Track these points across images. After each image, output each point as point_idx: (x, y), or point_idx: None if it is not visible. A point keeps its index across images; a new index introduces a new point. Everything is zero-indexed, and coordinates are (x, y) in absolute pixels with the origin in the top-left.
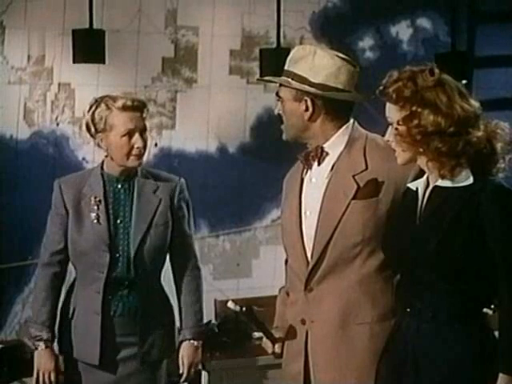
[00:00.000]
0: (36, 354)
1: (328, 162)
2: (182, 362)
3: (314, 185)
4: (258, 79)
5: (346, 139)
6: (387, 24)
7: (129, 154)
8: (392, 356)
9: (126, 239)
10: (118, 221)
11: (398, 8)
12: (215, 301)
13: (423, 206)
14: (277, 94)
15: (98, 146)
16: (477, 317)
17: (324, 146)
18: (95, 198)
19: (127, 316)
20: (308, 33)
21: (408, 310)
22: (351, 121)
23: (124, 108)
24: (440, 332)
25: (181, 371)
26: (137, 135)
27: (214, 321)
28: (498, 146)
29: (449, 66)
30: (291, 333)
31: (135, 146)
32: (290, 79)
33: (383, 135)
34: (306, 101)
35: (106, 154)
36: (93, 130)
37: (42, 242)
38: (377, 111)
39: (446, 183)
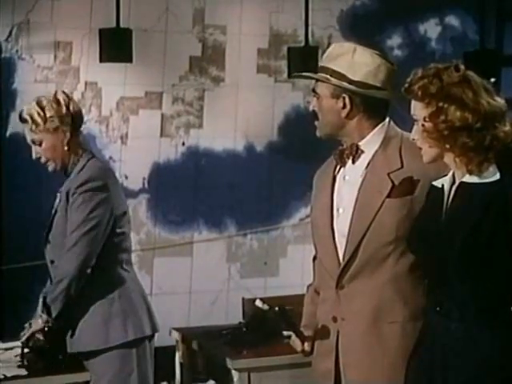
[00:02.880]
0: None
1: (363, 160)
2: None
3: (348, 182)
4: (294, 75)
5: (381, 138)
6: (415, 22)
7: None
8: (421, 356)
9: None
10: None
11: (426, 6)
12: (243, 299)
13: (449, 202)
14: (313, 90)
15: None
16: (503, 315)
17: (359, 143)
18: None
19: None
20: (336, 31)
21: (438, 309)
22: (387, 119)
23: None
24: (468, 331)
25: None
26: (32, 147)
27: (241, 319)
28: None
29: (477, 63)
30: (322, 331)
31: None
32: (328, 75)
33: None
34: (343, 98)
35: None
36: None
37: None
38: (405, 110)
39: (473, 179)
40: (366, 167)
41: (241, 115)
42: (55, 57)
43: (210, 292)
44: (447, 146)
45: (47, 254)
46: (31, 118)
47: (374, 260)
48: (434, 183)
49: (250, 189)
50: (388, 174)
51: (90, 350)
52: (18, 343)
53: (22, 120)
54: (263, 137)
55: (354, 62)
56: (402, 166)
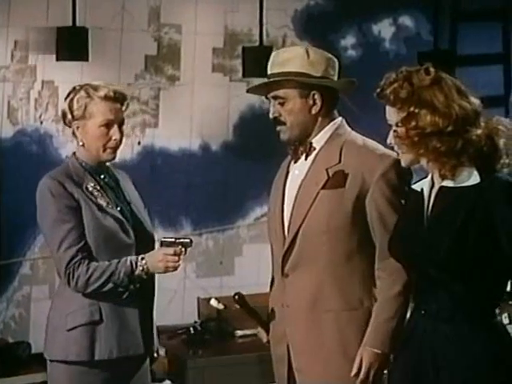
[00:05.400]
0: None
1: (313, 156)
2: None
3: (296, 177)
4: (249, 90)
5: (328, 135)
6: (369, 22)
7: (105, 146)
8: (407, 357)
9: (137, 222)
10: (119, 208)
11: (380, 6)
12: (198, 299)
13: (430, 207)
14: (274, 97)
15: (73, 134)
16: (492, 315)
17: (312, 141)
18: (93, 186)
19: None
20: (291, 31)
21: (423, 312)
22: (340, 118)
23: (106, 98)
24: (458, 333)
25: None
26: (115, 127)
27: (196, 319)
28: (501, 142)
29: (431, 64)
30: (273, 317)
31: (112, 137)
32: (291, 77)
33: (379, 133)
34: (313, 95)
35: (81, 143)
36: (69, 116)
37: (55, 245)
38: (358, 109)
39: (453, 183)
40: (312, 162)
41: (196, 114)
42: (12, 56)
43: (165, 291)
44: (420, 151)
45: None
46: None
47: (310, 249)
48: (413, 186)
49: (206, 188)
50: (326, 169)
51: None
52: None
53: None
54: (218, 136)
55: (312, 60)
56: (340, 162)
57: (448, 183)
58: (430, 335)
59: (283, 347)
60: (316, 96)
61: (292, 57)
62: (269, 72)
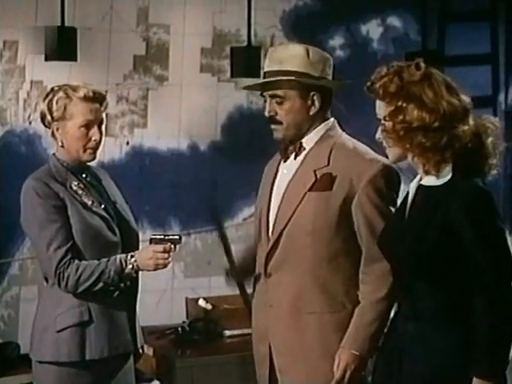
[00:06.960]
0: (138, 258)
1: (302, 156)
2: None
3: (285, 176)
4: (248, 87)
5: (319, 136)
6: (358, 23)
7: (85, 147)
8: (383, 355)
9: (122, 220)
10: (103, 206)
11: (368, 7)
12: (186, 299)
13: (410, 204)
14: (273, 95)
15: (53, 135)
16: (460, 316)
17: (302, 141)
18: (77, 184)
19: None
20: (279, 31)
21: (396, 308)
22: (332, 119)
23: (85, 98)
24: (422, 331)
25: None
26: (95, 127)
27: (185, 319)
28: (489, 140)
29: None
30: (257, 316)
31: (92, 138)
32: (291, 77)
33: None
34: (313, 96)
35: (60, 144)
36: (48, 118)
37: (43, 245)
38: (347, 109)
39: (429, 181)
40: (301, 163)
41: (184, 114)
42: (1, 56)
43: (154, 292)
44: (407, 146)
45: None
46: None
47: (294, 250)
48: (412, 182)
49: (194, 188)
50: (314, 171)
51: None
52: None
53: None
54: (207, 136)
55: (312, 61)
56: (328, 164)
57: (430, 180)
58: (400, 333)
59: (265, 347)
60: (315, 97)
61: (292, 55)
62: (266, 69)
